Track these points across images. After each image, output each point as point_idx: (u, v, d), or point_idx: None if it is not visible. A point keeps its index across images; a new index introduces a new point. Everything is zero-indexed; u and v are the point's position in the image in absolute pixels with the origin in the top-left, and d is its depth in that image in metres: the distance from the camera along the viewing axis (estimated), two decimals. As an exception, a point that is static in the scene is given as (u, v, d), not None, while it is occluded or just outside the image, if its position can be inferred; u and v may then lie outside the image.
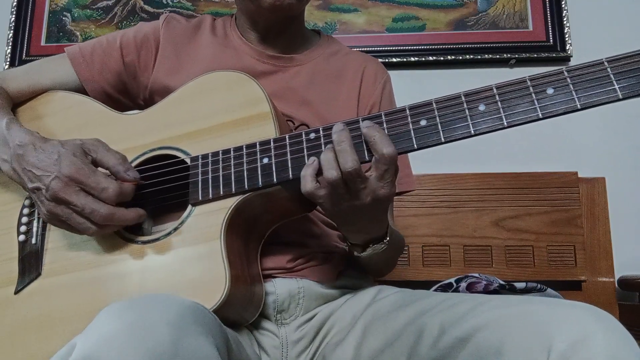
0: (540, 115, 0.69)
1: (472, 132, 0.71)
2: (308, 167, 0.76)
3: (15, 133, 0.87)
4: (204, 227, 0.81)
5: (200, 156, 0.85)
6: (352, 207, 0.77)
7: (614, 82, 0.67)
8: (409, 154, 1.07)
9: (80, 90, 1.04)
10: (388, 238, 0.87)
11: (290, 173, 0.79)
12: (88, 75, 1.04)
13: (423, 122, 0.74)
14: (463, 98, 0.73)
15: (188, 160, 0.86)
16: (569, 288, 1.57)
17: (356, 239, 0.87)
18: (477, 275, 1.37)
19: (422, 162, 1.37)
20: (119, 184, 0.80)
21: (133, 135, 0.92)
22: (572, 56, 1.79)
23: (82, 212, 0.78)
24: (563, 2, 1.82)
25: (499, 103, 0.71)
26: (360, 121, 0.77)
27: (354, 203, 0.76)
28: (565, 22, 1.81)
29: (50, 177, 0.79)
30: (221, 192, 0.81)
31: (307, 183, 0.75)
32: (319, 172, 0.76)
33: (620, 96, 0.66)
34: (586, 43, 1.80)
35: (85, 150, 0.82)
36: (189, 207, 0.83)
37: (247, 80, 0.89)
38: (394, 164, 0.73)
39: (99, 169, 0.82)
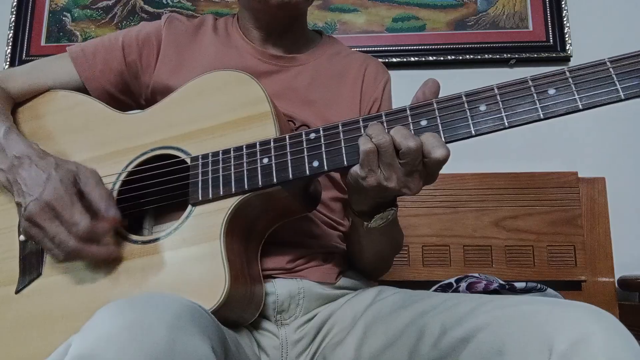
0: (541, 115, 0.69)
1: (473, 132, 0.71)
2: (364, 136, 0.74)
3: (15, 143, 0.87)
4: (203, 227, 0.81)
5: (200, 156, 0.85)
6: (397, 183, 0.75)
7: (616, 83, 0.66)
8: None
9: (82, 89, 1.04)
10: (396, 206, 0.86)
11: (290, 173, 0.79)
12: (90, 74, 1.04)
13: (424, 123, 0.74)
14: (464, 98, 0.73)
15: (188, 160, 0.86)
16: (569, 288, 1.57)
17: (365, 202, 0.83)
18: (477, 275, 1.37)
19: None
20: (93, 223, 0.79)
21: (134, 135, 0.92)
22: (572, 56, 1.79)
23: (52, 239, 0.78)
24: (563, 2, 1.82)
25: (500, 103, 0.71)
26: (360, 121, 0.77)
27: (406, 184, 0.75)
28: (565, 22, 1.81)
29: (31, 198, 0.79)
30: (221, 192, 0.81)
31: (365, 143, 0.74)
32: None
33: (623, 97, 0.66)
34: (586, 43, 1.80)
35: (76, 179, 0.82)
36: (189, 207, 0.83)
37: (247, 79, 0.88)
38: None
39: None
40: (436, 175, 0.76)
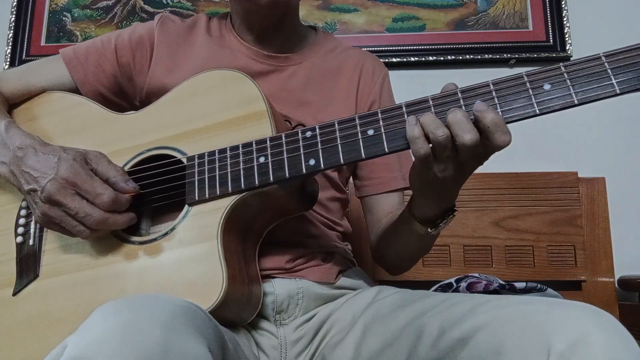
0: (537, 111, 0.68)
1: None
2: (414, 127, 0.71)
3: (16, 136, 0.87)
4: (200, 227, 0.81)
5: (196, 156, 0.85)
6: (454, 173, 0.74)
7: (612, 77, 0.66)
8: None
9: (75, 91, 1.04)
10: (456, 209, 0.86)
11: (287, 172, 0.78)
12: (83, 77, 1.04)
13: (420, 119, 0.73)
14: (459, 94, 0.72)
15: (184, 160, 0.86)
16: (569, 288, 1.56)
17: (432, 209, 0.83)
18: (477, 275, 1.37)
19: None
20: (115, 192, 0.81)
21: (130, 136, 0.92)
22: (572, 56, 1.79)
23: (75, 215, 0.79)
24: (563, 2, 1.82)
25: (496, 99, 0.71)
26: (357, 119, 0.77)
27: (460, 169, 0.74)
28: (565, 22, 1.81)
29: (47, 179, 0.79)
30: (217, 192, 0.81)
31: (421, 145, 0.71)
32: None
33: (618, 91, 0.65)
34: (586, 43, 1.80)
35: (87, 159, 0.83)
36: (186, 207, 0.83)
37: (242, 78, 0.88)
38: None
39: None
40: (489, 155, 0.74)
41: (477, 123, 0.69)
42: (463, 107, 0.71)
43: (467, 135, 0.68)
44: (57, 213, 0.80)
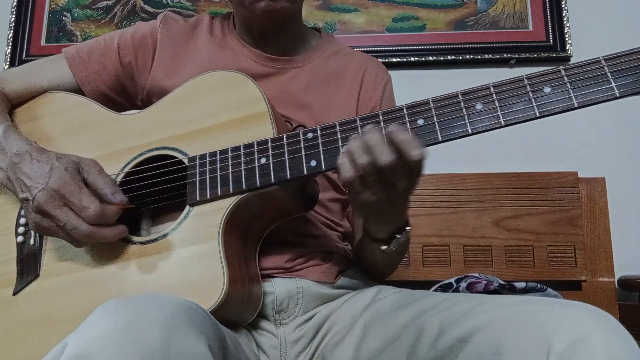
0: (537, 114, 0.69)
1: (470, 131, 0.71)
2: (343, 155, 0.75)
3: (13, 141, 0.87)
4: (202, 227, 0.81)
5: (197, 156, 0.85)
6: (387, 195, 0.76)
7: (611, 81, 0.67)
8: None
9: (77, 91, 1.03)
10: (409, 227, 0.88)
11: (288, 173, 0.79)
12: (85, 76, 1.03)
13: (420, 122, 0.74)
14: (460, 97, 0.73)
15: (186, 161, 0.86)
16: (569, 288, 1.56)
17: (383, 231, 0.86)
18: (477, 275, 1.37)
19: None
20: (102, 206, 0.80)
21: (131, 136, 0.92)
22: (572, 56, 1.79)
23: (63, 227, 0.79)
24: (563, 2, 1.82)
25: (496, 102, 0.71)
26: (358, 121, 0.77)
27: (390, 190, 0.75)
28: (565, 22, 1.81)
29: (38, 189, 0.79)
30: (219, 193, 0.81)
31: (347, 170, 0.74)
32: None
33: (617, 94, 0.66)
34: (586, 43, 1.80)
35: (79, 169, 0.83)
36: (187, 207, 0.83)
37: (244, 80, 0.88)
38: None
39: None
40: (419, 173, 0.76)
41: (391, 144, 0.71)
42: (464, 109, 0.72)
43: (385, 157, 0.71)
44: (48, 223, 0.80)
